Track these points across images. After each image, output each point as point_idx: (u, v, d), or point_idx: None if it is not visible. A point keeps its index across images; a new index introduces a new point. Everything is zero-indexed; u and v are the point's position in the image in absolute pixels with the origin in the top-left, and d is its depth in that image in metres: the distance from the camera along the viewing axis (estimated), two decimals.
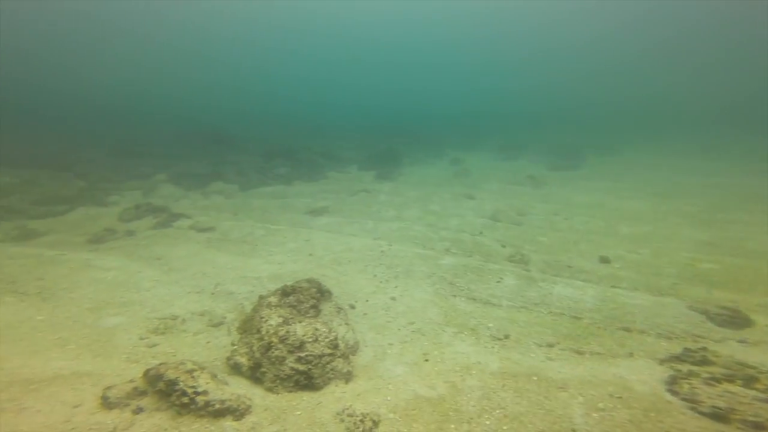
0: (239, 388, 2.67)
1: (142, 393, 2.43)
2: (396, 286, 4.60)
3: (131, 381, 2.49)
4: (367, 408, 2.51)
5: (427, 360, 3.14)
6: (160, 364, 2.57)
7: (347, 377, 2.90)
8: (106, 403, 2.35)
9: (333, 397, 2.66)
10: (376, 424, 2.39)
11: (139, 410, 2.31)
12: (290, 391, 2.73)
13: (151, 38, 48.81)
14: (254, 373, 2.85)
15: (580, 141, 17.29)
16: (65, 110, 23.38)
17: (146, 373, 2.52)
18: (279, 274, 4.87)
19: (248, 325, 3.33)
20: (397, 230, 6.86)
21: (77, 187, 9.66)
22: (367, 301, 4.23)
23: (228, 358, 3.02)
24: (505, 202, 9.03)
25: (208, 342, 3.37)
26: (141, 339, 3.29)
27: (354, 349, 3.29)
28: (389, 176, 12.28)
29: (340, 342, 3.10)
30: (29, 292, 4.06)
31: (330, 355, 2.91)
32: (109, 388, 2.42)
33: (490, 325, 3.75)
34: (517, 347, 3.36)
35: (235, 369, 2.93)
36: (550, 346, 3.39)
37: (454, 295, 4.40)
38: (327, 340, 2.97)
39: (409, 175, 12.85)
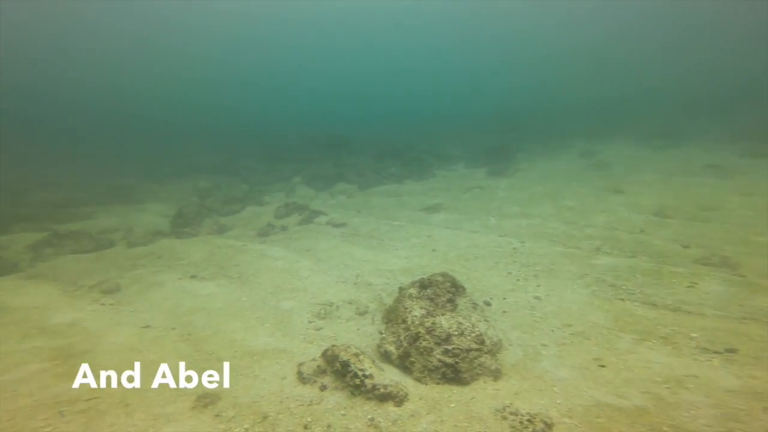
0: (393, 375, 2.75)
1: (324, 371, 2.74)
2: (538, 285, 4.23)
3: (314, 359, 2.85)
4: (532, 408, 2.32)
5: (602, 366, 2.77)
6: (333, 346, 2.85)
7: (495, 375, 2.75)
8: (301, 378, 2.73)
9: (485, 393, 2.54)
10: (549, 426, 2.18)
11: (323, 387, 2.63)
12: (438, 383, 2.70)
13: (281, 67, 56.15)
14: (403, 362, 2.89)
15: None
16: (224, 125, 29.02)
17: (324, 353, 2.83)
18: (408, 268, 5.00)
19: (392, 315, 3.41)
20: (527, 227, 6.32)
21: (244, 190, 11.77)
22: (504, 299, 3.98)
23: (378, 346, 3.14)
24: (674, 195, 7.40)
25: (357, 329, 3.60)
26: (309, 322, 3.75)
27: (497, 346, 3.10)
28: (504, 172, 11.31)
29: (485, 338, 2.98)
30: (232, 276, 5.06)
31: (477, 350, 2.78)
32: (301, 364, 2.82)
33: (694, 335, 3.14)
34: (761, 365, 2.71)
35: (385, 357, 3.02)
36: None
37: (622, 299, 3.83)
38: (473, 334, 2.85)
39: (527, 170, 11.55)
